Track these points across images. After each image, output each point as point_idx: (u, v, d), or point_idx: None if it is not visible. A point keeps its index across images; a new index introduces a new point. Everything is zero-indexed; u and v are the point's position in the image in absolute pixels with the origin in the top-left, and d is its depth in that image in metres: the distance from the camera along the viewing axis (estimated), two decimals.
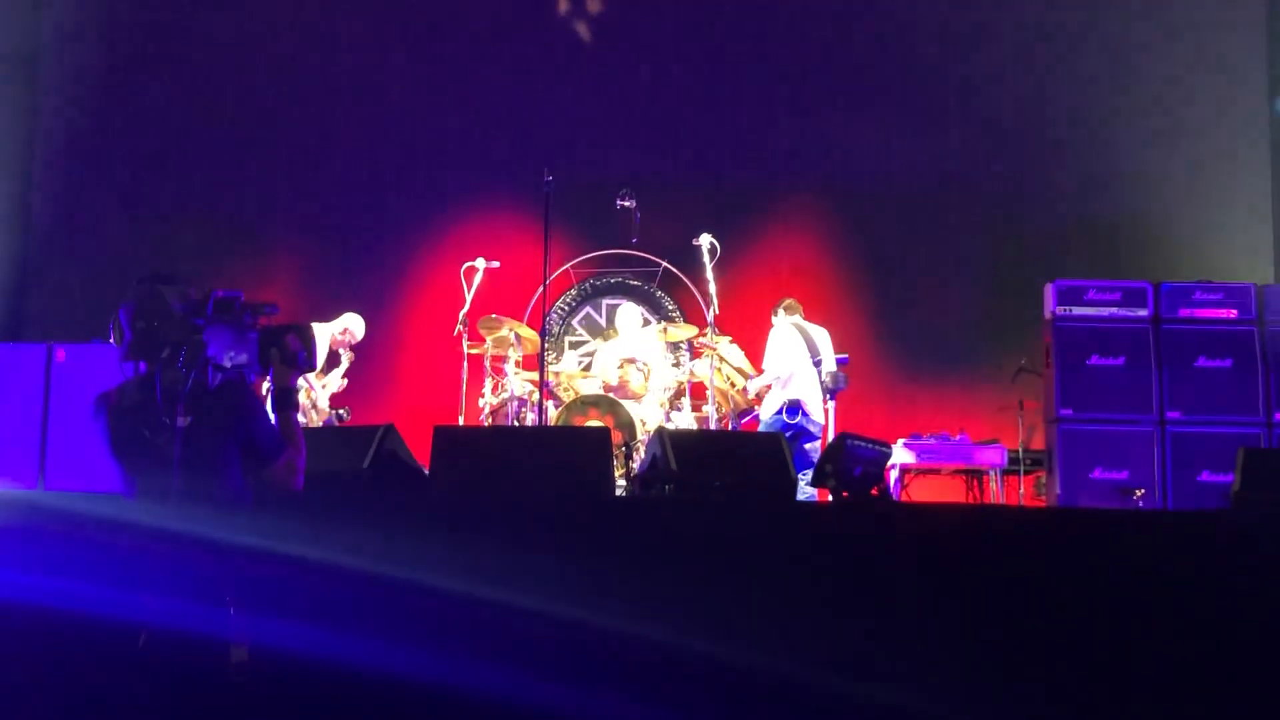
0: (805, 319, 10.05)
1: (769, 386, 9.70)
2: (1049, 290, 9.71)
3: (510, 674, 4.93)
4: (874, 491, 7.05)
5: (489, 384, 9.93)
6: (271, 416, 4.16)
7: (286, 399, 4.17)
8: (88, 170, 11.61)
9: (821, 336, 9.91)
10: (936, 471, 9.99)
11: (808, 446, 9.51)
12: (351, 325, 9.92)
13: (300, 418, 9.09)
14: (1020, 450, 9.91)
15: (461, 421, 9.66)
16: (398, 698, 4.82)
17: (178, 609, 3.73)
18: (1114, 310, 9.57)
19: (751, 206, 11.54)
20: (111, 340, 4.01)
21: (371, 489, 6.01)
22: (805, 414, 9.56)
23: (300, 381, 9.21)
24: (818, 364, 9.78)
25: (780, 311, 10.02)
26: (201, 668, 3.72)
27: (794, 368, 9.67)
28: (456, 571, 5.18)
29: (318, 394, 9.59)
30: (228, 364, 3.93)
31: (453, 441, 6.33)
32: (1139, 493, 9.09)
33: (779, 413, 9.58)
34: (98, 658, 3.85)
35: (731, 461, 6.48)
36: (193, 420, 3.81)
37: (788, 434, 9.25)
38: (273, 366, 4.12)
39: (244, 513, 3.97)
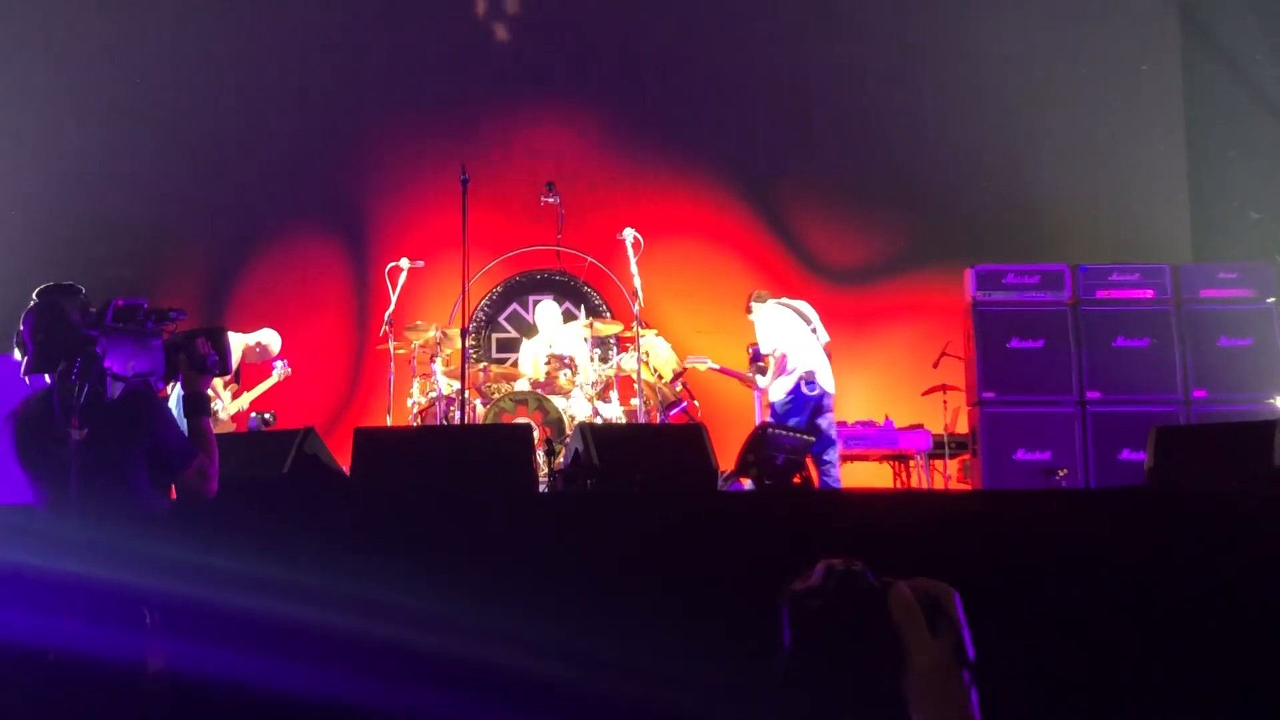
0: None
1: (780, 365, 9.58)
2: (969, 275, 9.83)
3: (432, 680, 4.90)
4: (796, 479, 7.12)
5: (417, 385, 9.89)
6: (183, 423, 4.12)
7: (196, 404, 4.11)
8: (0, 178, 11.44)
9: (807, 309, 9.88)
10: (864, 458, 10.07)
11: (821, 423, 9.36)
12: (265, 339, 9.85)
13: None
14: (944, 434, 10.01)
15: (390, 422, 9.63)
16: (320, 707, 4.78)
17: (91, 620, 3.69)
18: (1033, 294, 9.71)
19: (672, 198, 11.55)
20: (15, 354, 3.96)
21: (291, 493, 5.97)
22: (820, 385, 9.52)
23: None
24: (814, 333, 9.75)
25: (754, 304, 9.91)
26: (118, 677, 3.68)
27: (797, 341, 9.63)
28: (378, 574, 5.16)
29: (223, 403, 9.49)
30: (129, 373, 3.87)
31: (373, 443, 6.29)
32: (1062, 472, 9.21)
33: (796, 388, 9.41)
34: (6, 673, 3.78)
35: (653, 453, 6.51)
36: (92, 431, 3.75)
37: (810, 406, 9.29)
38: (181, 372, 4.08)
39: (153, 522, 3.92)
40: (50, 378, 3.82)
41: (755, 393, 9.80)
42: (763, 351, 9.70)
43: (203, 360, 4.11)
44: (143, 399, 3.92)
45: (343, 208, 11.54)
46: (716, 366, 10.06)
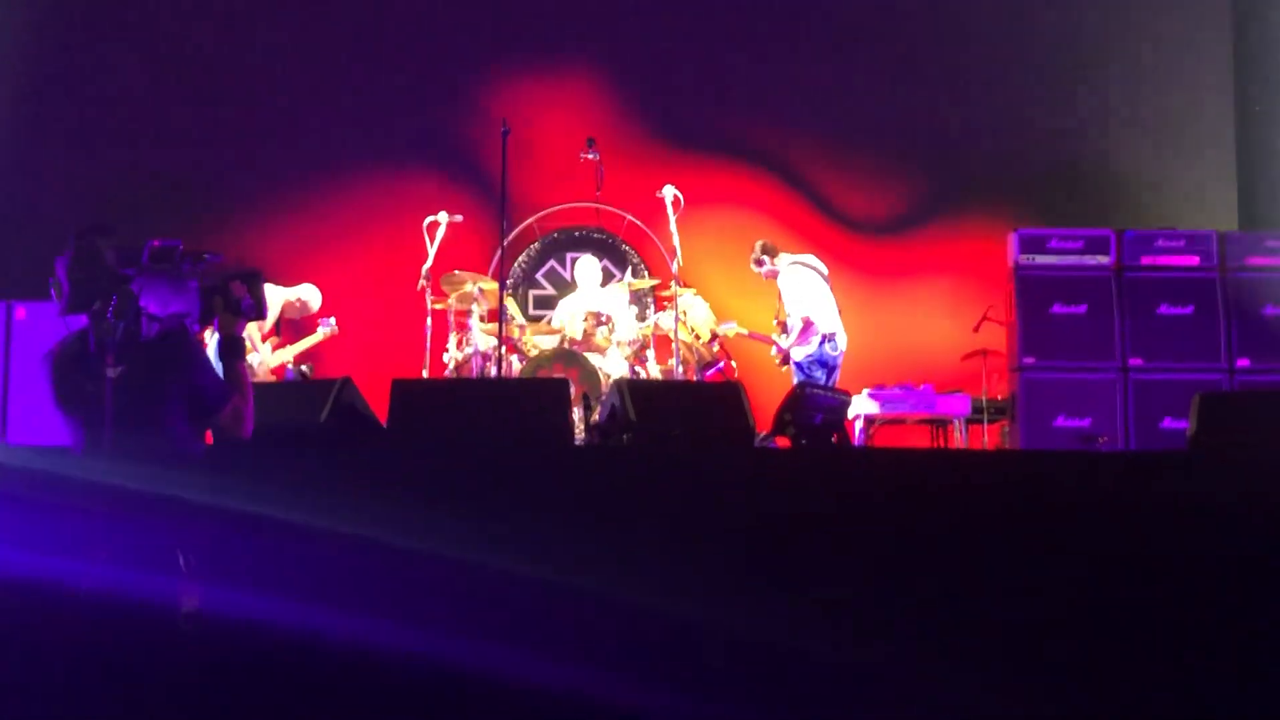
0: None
1: (807, 328, 9.59)
2: (1012, 239, 9.74)
3: (465, 631, 4.89)
4: (833, 439, 7.09)
5: (453, 339, 9.88)
6: (218, 365, 4.12)
7: (232, 347, 4.11)
8: (43, 128, 11.46)
9: (818, 263, 9.91)
10: (901, 421, 10.01)
11: (832, 381, 9.48)
12: (305, 295, 9.89)
13: None
14: (984, 399, 9.94)
15: (426, 376, 9.62)
16: (353, 657, 4.78)
17: (124, 562, 3.69)
18: (1076, 258, 9.62)
19: (714, 158, 11.47)
20: (52, 294, 3.96)
21: (328, 441, 5.97)
22: (838, 346, 9.61)
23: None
24: (830, 290, 9.79)
25: (765, 257, 9.90)
26: (150, 620, 3.69)
27: (821, 304, 9.64)
28: (413, 524, 5.17)
29: (258, 354, 9.50)
30: (164, 313, 3.87)
31: (410, 394, 6.30)
32: (1102, 439, 9.15)
33: (820, 348, 9.52)
34: (42, 616, 3.79)
35: (690, 410, 6.49)
36: (127, 371, 3.76)
37: (829, 366, 9.40)
38: (217, 315, 4.08)
39: (190, 465, 3.92)
40: (86, 317, 3.83)
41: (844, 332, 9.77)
42: (789, 312, 9.69)
43: (238, 303, 4.11)
44: (179, 339, 3.92)
45: (382, 161, 11.48)
46: (745, 331, 10.02)
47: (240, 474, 4.27)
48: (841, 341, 9.64)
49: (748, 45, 11.66)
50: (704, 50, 11.68)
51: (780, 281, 9.83)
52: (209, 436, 4.31)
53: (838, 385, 9.34)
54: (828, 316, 9.63)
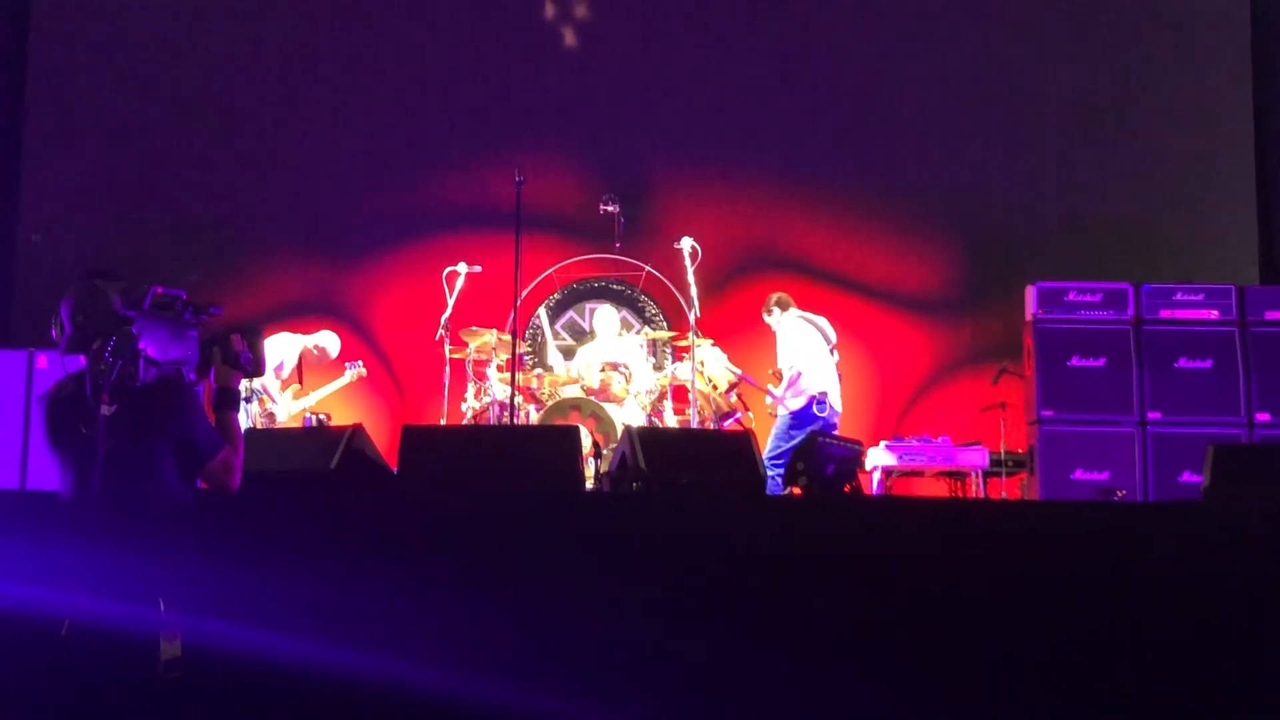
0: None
1: (793, 381, 9.60)
2: (1030, 292, 9.73)
3: (471, 672, 4.89)
4: (846, 489, 7.07)
5: (471, 389, 9.92)
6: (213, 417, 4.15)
7: (226, 399, 4.15)
8: (69, 178, 11.59)
9: (827, 327, 9.88)
10: (919, 474, 9.98)
11: None
12: (324, 342, 9.99)
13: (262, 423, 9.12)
14: (1002, 452, 9.90)
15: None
16: (353, 698, 4.78)
17: (106, 607, 3.69)
18: (1095, 312, 9.60)
19: (733, 210, 11.50)
20: (53, 334, 4.01)
21: (338, 488, 6.00)
22: (831, 408, 9.54)
23: (258, 389, 9.26)
24: (831, 353, 9.77)
25: (775, 309, 9.94)
26: (131, 664, 3.67)
27: (816, 361, 9.62)
28: (420, 570, 5.18)
29: (278, 404, 9.58)
30: (162, 359, 3.91)
31: (421, 441, 6.32)
32: (1120, 493, 9.09)
33: (808, 406, 9.46)
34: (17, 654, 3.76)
35: (701, 459, 6.48)
36: (121, 411, 3.79)
37: (816, 427, 9.25)
38: (214, 366, 4.12)
39: (179, 512, 3.94)
40: (84, 359, 3.88)
41: (840, 394, 9.73)
42: (780, 364, 9.69)
43: (236, 356, 4.16)
44: (174, 386, 3.96)
45: (402, 211, 11.57)
46: (739, 373, 9.99)
47: (232, 518, 4.29)
48: (834, 404, 9.56)
49: (765, 96, 11.71)
50: (720, 104, 11.73)
51: (780, 332, 9.84)
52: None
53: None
54: (820, 376, 9.57)
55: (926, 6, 11.79)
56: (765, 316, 10.00)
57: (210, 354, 4.10)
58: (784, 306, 9.91)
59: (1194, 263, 10.85)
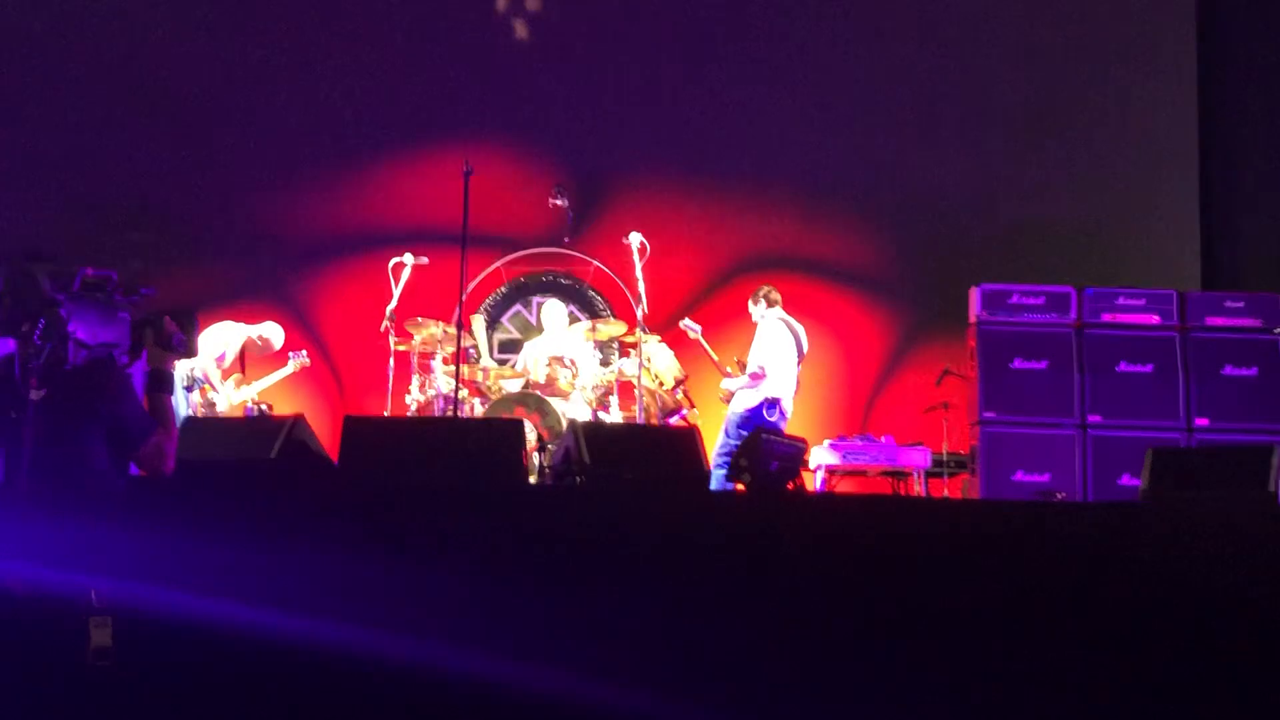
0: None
1: (754, 379, 9.51)
2: (974, 294, 9.79)
3: (400, 665, 4.84)
4: (789, 487, 7.09)
5: (416, 381, 9.86)
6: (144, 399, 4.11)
7: (159, 381, 4.11)
8: (12, 159, 11.41)
9: (803, 336, 9.81)
10: (862, 473, 10.02)
11: None
12: (268, 333, 9.88)
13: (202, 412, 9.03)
14: (945, 452, 9.95)
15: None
16: (282, 685, 4.72)
17: (35, 595, 3.64)
18: (1038, 315, 9.67)
19: (681, 205, 11.50)
20: None
21: (277, 478, 5.95)
22: (782, 413, 9.49)
23: (199, 378, 9.18)
24: (798, 363, 9.74)
25: (762, 301, 9.79)
26: (60, 651, 3.63)
27: (782, 367, 9.55)
28: (355, 558, 5.13)
29: (219, 394, 9.48)
30: (93, 342, 3.87)
31: (363, 432, 6.31)
32: (1059, 496, 9.16)
33: (759, 408, 9.37)
34: None
35: (645, 454, 6.49)
36: (51, 395, 3.76)
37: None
38: (146, 348, 4.07)
39: (110, 495, 3.90)
40: (14, 342, 3.83)
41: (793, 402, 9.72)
42: (750, 358, 9.65)
43: (169, 339, 4.12)
44: (105, 368, 3.93)
45: (348, 202, 11.49)
46: (704, 341, 9.96)
47: (163, 505, 4.24)
48: (786, 410, 9.51)
49: (717, 93, 11.71)
50: (672, 98, 11.73)
51: (760, 328, 9.77)
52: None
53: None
54: (781, 382, 9.50)
55: (877, 10, 11.83)
56: (750, 304, 9.85)
57: (142, 336, 4.06)
58: (770, 303, 9.77)
59: (1137, 267, 10.96)
